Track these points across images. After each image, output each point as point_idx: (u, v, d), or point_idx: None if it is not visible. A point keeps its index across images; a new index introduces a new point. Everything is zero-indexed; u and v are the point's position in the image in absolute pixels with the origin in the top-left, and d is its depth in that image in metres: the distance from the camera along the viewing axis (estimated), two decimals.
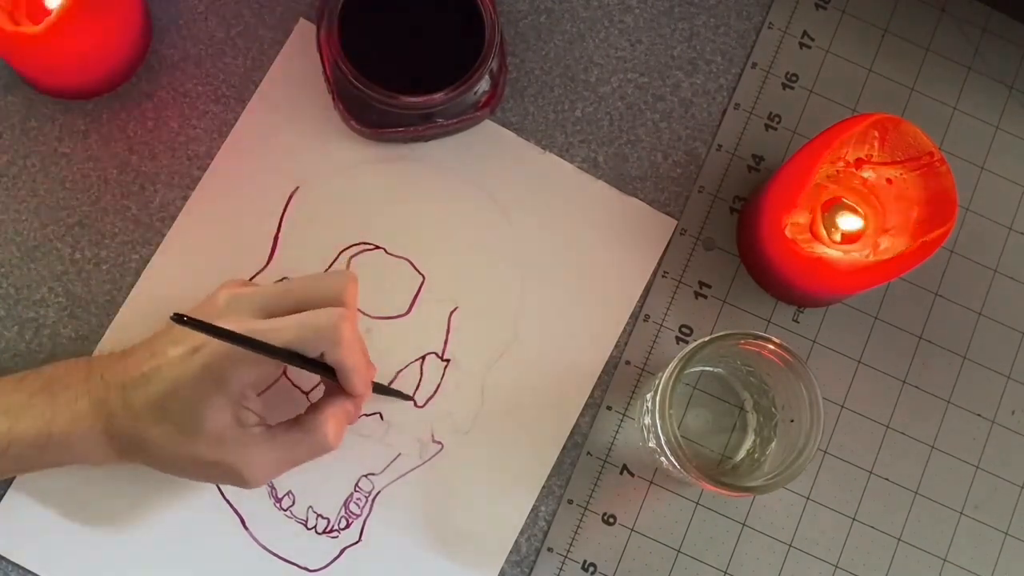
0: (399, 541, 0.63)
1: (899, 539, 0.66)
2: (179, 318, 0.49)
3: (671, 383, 0.57)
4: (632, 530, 0.64)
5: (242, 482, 0.56)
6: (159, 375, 0.55)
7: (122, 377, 0.56)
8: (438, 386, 0.65)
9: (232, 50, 0.67)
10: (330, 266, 0.65)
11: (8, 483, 0.61)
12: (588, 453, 0.65)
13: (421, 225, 0.66)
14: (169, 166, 0.65)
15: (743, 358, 0.62)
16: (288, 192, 0.66)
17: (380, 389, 0.62)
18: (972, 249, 0.69)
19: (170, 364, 0.55)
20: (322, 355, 0.54)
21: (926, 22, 0.71)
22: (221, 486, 0.62)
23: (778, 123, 0.69)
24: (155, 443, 0.55)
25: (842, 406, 0.67)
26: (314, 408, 0.57)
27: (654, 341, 0.66)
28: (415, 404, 0.64)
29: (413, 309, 0.65)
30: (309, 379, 0.64)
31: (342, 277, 0.57)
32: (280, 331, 0.54)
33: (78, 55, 0.61)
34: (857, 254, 0.62)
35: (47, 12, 0.58)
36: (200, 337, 0.54)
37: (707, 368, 0.66)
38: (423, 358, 0.65)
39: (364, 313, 0.65)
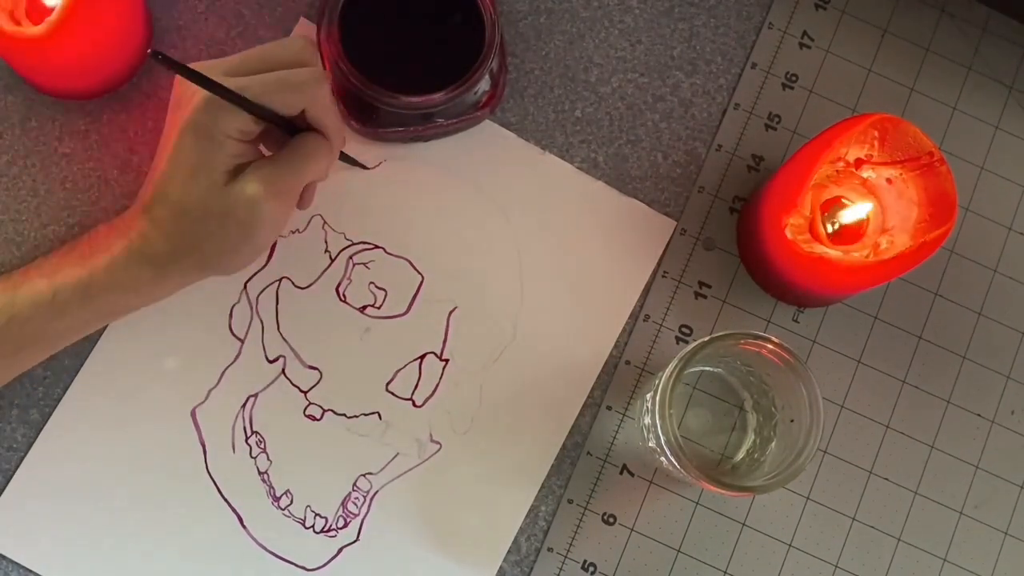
0: (397, 540, 0.63)
1: (899, 539, 0.66)
2: (156, 55, 0.50)
3: (671, 383, 0.57)
4: (632, 530, 0.64)
5: (260, 210, 0.56)
6: (167, 178, 0.56)
7: (140, 206, 0.57)
8: (437, 386, 0.65)
9: (232, 50, 0.67)
10: (329, 266, 0.65)
11: (7, 480, 0.61)
12: (588, 453, 0.65)
13: (421, 225, 0.66)
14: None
15: (743, 358, 0.62)
16: None
17: (346, 158, 0.64)
18: (972, 249, 0.69)
19: (171, 161, 0.56)
20: (298, 117, 0.56)
21: (926, 22, 0.71)
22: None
23: (778, 123, 0.69)
24: (197, 242, 0.56)
25: (842, 406, 0.67)
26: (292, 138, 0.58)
27: (654, 341, 0.66)
28: (414, 405, 0.64)
29: (412, 309, 0.65)
30: (309, 379, 0.64)
31: (299, 40, 0.58)
32: (260, 84, 0.55)
33: (78, 56, 0.61)
34: (857, 254, 0.62)
35: (47, 12, 0.58)
36: (184, 115, 0.55)
37: (707, 368, 0.66)
38: (422, 358, 0.65)
39: (364, 313, 0.65)
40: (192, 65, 0.55)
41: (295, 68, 0.56)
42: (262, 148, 0.59)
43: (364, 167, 0.66)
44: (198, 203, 0.56)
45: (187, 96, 0.55)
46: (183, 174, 0.55)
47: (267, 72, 0.56)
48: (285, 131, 0.57)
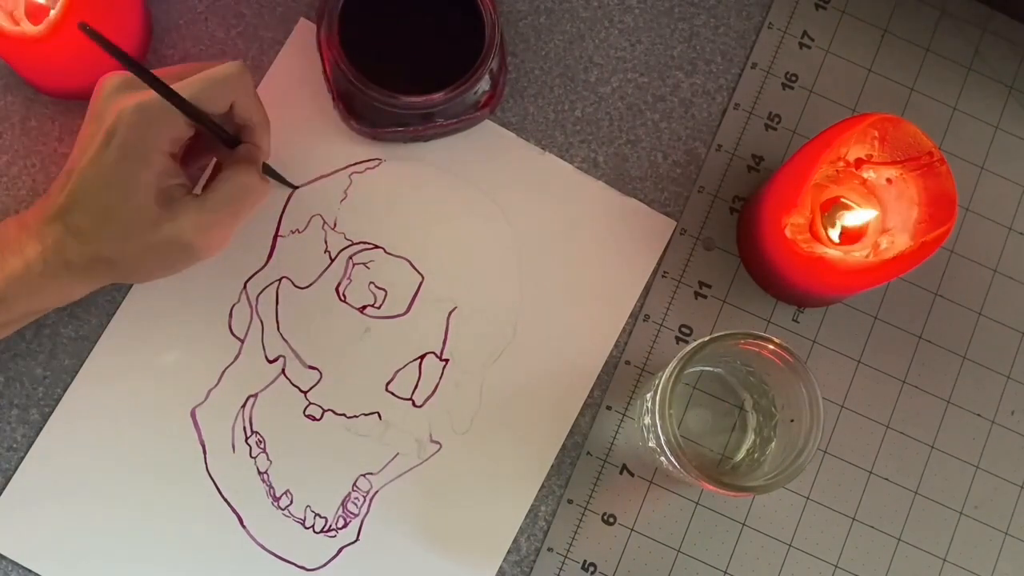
0: (397, 540, 0.63)
1: (899, 539, 0.66)
2: (84, 25, 0.49)
3: (671, 383, 0.57)
4: (632, 530, 0.64)
5: (194, 252, 0.57)
6: (85, 185, 0.55)
7: (54, 208, 0.56)
8: (436, 386, 0.65)
9: (232, 50, 0.67)
10: (329, 266, 0.65)
11: (7, 481, 0.61)
12: (588, 453, 0.65)
13: (420, 225, 0.66)
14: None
15: (743, 358, 0.62)
16: (287, 192, 0.66)
17: (271, 172, 0.64)
18: (972, 249, 0.69)
19: (91, 167, 0.55)
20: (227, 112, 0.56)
21: (926, 22, 0.71)
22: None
23: (778, 123, 0.69)
24: (111, 254, 0.56)
25: (842, 406, 0.67)
26: (229, 161, 0.58)
27: (654, 341, 0.66)
28: (414, 405, 0.64)
29: (412, 309, 0.65)
30: (308, 379, 0.64)
31: (233, 64, 0.58)
32: (186, 85, 0.55)
33: (78, 56, 0.61)
34: (857, 254, 0.62)
35: (47, 12, 0.58)
36: (106, 124, 0.54)
37: (707, 368, 0.66)
38: (422, 358, 0.65)
39: (363, 313, 0.65)
40: (119, 74, 0.55)
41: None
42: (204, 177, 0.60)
43: (292, 186, 0.65)
44: (123, 224, 0.55)
45: (111, 108, 0.55)
46: (107, 189, 0.55)
47: None
48: (215, 134, 0.57)
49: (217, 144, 0.59)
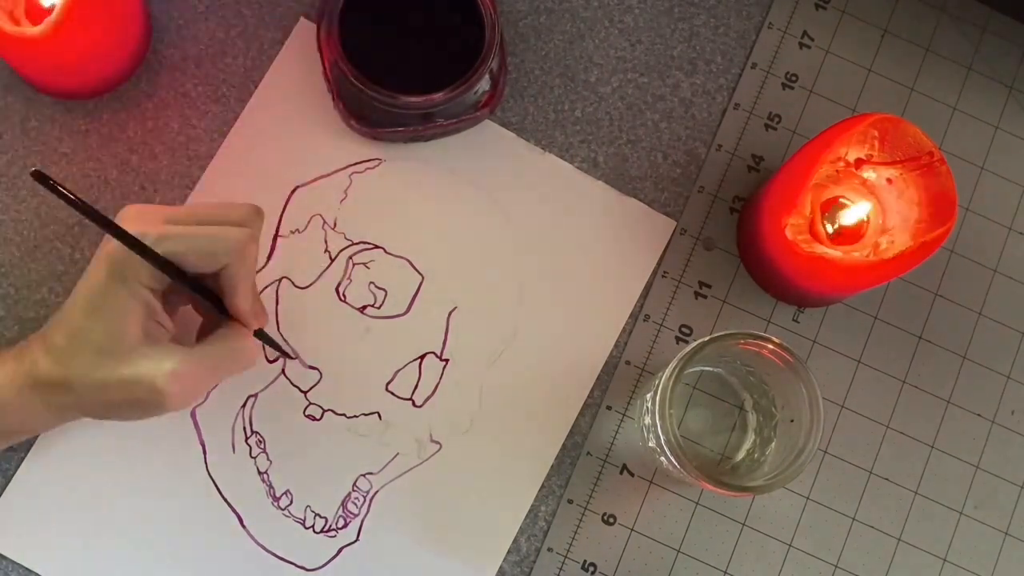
0: (396, 540, 0.63)
1: (899, 539, 0.66)
2: (39, 175, 0.47)
3: (671, 383, 0.57)
4: (632, 530, 0.64)
5: (162, 400, 0.53)
6: (71, 308, 0.54)
7: (40, 331, 0.56)
8: (436, 386, 0.65)
9: (232, 50, 0.67)
10: (329, 266, 0.65)
11: (7, 481, 0.61)
12: (588, 453, 0.65)
13: (421, 225, 0.66)
14: (169, 166, 0.65)
15: (743, 358, 0.62)
16: (287, 192, 0.66)
17: (266, 339, 0.60)
18: (972, 249, 0.69)
19: (78, 293, 0.54)
20: (217, 275, 0.54)
21: (926, 22, 0.71)
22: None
23: (778, 123, 0.69)
24: (77, 376, 0.54)
25: (842, 406, 0.67)
26: (227, 323, 0.56)
27: (654, 341, 0.66)
28: (414, 405, 0.64)
29: (412, 309, 0.65)
30: (308, 379, 0.64)
31: (249, 207, 0.56)
32: (187, 235, 0.53)
33: (78, 55, 0.61)
34: (857, 254, 0.62)
35: (47, 12, 0.58)
36: (96, 257, 0.54)
37: (707, 368, 0.66)
38: (422, 358, 0.65)
39: (363, 313, 0.65)
40: (138, 208, 0.53)
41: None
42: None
43: (291, 357, 0.64)
44: (97, 348, 0.53)
45: (120, 218, 0.53)
46: (89, 307, 0.53)
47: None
48: (193, 291, 0.55)
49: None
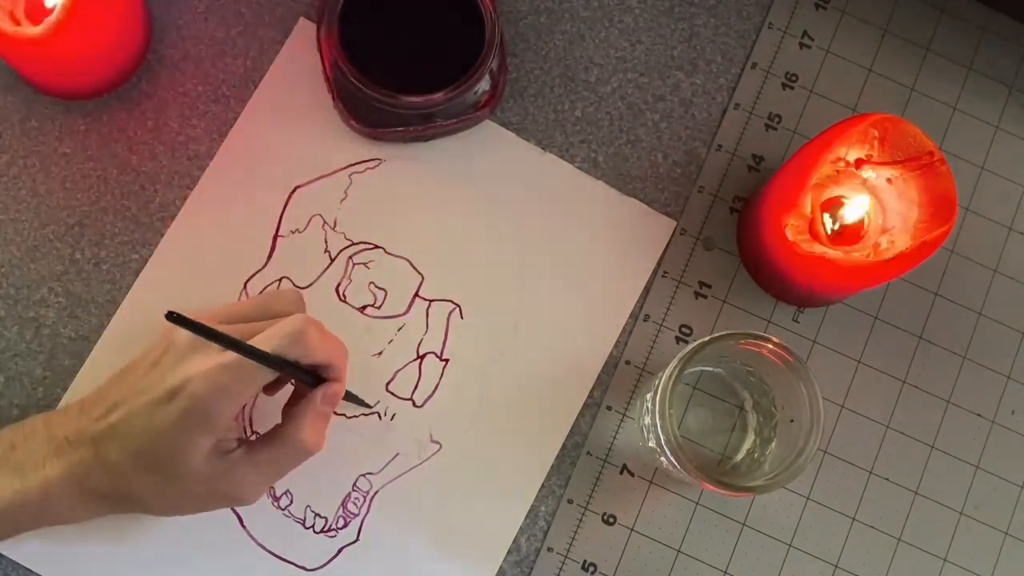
0: (397, 540, 0.63)
1: (899, 539, 0.66)
2: (173, 316, 0.48)
3: (671, 383, 0.57)
4: (632, 530, 0.64)
5: (240, 502, 0.56)
6: (131, 426, 0.53)
7: (89, 433, 0.54)
8: (437, 386, 0.65)
9: (232, 50, 0.67)
10: (329, 266, 0.65)
11: None
12: (588, 453, 0.65)
13: (420, 225, 0.66)
14: (169, 166, 0.65)
15: (743, 358, 0.62)
16: (287, 192, 0.66)
17: (348, 396, 0.61)
18: (972, 249, 0.69)
19: (142, 414, 0.53)
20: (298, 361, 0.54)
21: (926, 22, 0.71)
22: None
23: (778, 123, 0.69)
24: (142, 493, 0.54)
25: (842, 406, 0.67)
26: (290, 416, 0.56)
27: (654, 341, 0.66)
28: (414, 405, 0.64)
29: (412, 309, 0.65)
30: None
31: (291, 293, 0.58)
32: (264, 340, 0.53)
33: (78, 55, 0.61)
34: (857, 254, 0.62)
35: (47, 12, 0.58)
36: (170, 382, 0.52)
37: (707, 368, 0.66)
38: (422, 358, 0.65)
39: (363, 313, 0.65)
40: (191, 315, 0.51)
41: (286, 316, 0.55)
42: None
43: (368, 406, 0.64)
44: (166, 476, 0.53)
45: (179, 369, 0.52)
46: (157, 442, 0.52)
47: (262, 319, 0.55)
48: (297, 376, 0.55)
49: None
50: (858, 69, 0.70)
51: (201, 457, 0.53)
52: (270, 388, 0.58)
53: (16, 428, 0.57)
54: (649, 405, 0.61)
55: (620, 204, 0.68)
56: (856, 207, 0.62)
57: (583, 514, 0.64)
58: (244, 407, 0.60)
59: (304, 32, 0.67)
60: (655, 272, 0.67)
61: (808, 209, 0.61)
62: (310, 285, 0.65)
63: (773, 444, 0.62)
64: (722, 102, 0.69)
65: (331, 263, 0.65)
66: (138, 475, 0.54)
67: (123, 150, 0.65)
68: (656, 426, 0.58)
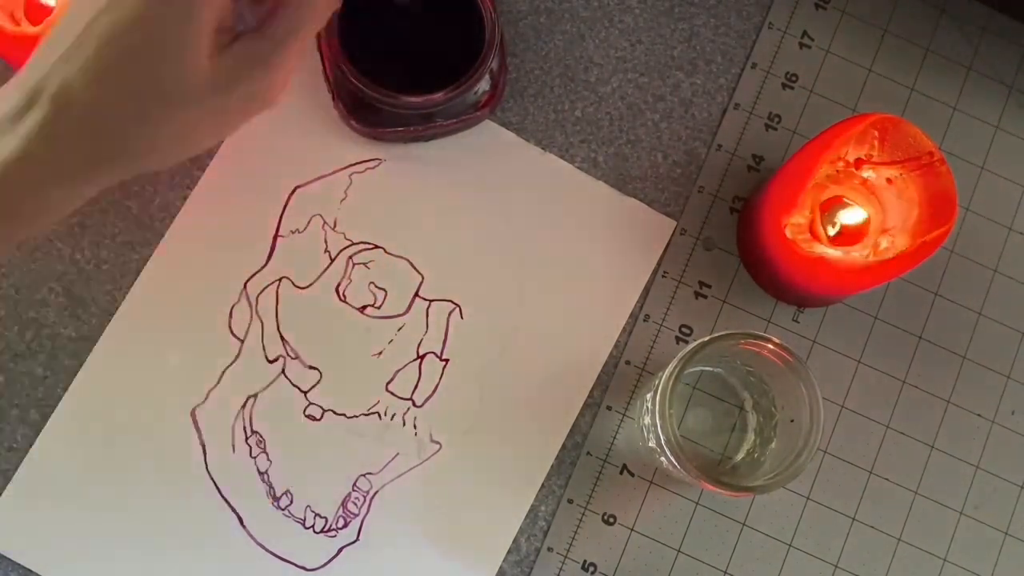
0: (397, 540, 0.63)
1: (899, 539, 0.66)
2: None
3: (671, 383, 0.57)
4: (632, 530, 0.64)
5: (266, 103, 0.46)
6: (84, 50, 0.41)
7: (29, 87, 0.42)
8: (436, 386, 0.65)
9: None
10: (329, 266, 0.65)
11: (7, 481, 0.61)
12: (588, 453, 0.65)
13: (421, 225, 0.66)
14: (169, 166, 0.65)
15: (743, 358, 0.62)
16: (287, 192, 0.66)
17: None
18: (972, 249, 0.69)
19: (95, 29, 0.41)
20: None
21: (926, 22, 0.71)
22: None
23: (778, 123, 0.69)
24: (133, 134, 0.43)
25: (842, 406, 0.67)
26: None
27: (654, 341, 0.66)
28: (414, 404, 0.64)
29: (412, 309, 0.65)
30: (308, 379, 0.64)
31: None
32: None
33: None
34: (857, 254, 0.62)
35: (47, 12, 0.58)
36: None
37: (707, 368, 0.66)
38: (422, 358, 0.65)
39: (363, 313, 0.65)
40: None
41: None
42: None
43: None
44: (158, 95, 0.41)
45: None
46: (137, 50, 0.40)
47: None
48: None
49: None
50: (858, 69, 0.70)
51: (195, 57, 0.41)
52: None
53: None
54: (649, 405, 0.61)
55: (620, 204, 0.68)
56: (856, 211, 0.62)
57: (583, 514, 0.64)
58: None
59: None
60: (655, 272, 0.67)
61: (808, 209, 0.61)
62: (310, 285, 0.65)
63: (773, 444, 0.62)
64: (722, 102, 0.69)
65: (331, 263, 0.65)
66: (122, 105, 0.42)
67: None
68: (656, 426, 0.58)
